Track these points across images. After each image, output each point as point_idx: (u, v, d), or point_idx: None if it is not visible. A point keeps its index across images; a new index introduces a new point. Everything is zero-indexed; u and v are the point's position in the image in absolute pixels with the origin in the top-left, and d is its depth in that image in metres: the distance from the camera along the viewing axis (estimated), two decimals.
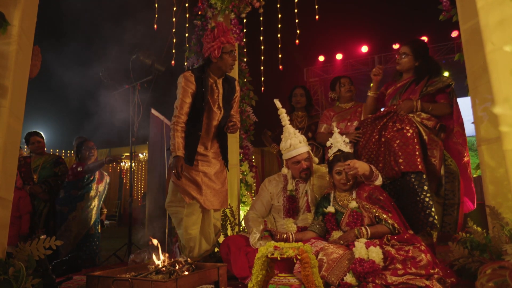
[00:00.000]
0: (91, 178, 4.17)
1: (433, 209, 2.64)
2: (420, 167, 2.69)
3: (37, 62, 3.17)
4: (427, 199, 2.65)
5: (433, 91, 2.97)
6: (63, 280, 2.25)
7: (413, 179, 2.71)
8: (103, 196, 4.33)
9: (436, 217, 2.63)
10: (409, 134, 2.79)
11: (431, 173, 2.82)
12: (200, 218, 2.99)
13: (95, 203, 4.17)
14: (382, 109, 3.17)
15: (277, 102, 2.96)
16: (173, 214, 3.00)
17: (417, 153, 2.73)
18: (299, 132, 2.94)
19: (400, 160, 2.74)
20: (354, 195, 2.56)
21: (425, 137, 2.84)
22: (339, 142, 2.67)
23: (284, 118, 2.93)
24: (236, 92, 3.13)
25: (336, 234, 2.52)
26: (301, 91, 4.03)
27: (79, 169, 4.04)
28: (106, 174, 4.45)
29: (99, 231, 4.27)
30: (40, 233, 2.11)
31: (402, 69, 3.11)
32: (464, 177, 2.88)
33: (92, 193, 4.13)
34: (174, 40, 4.27)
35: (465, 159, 2.90)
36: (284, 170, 2.96)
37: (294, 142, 2.83)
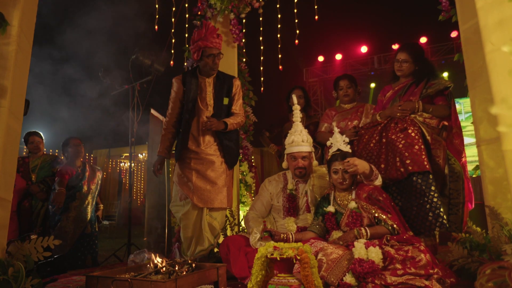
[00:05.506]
0: (80, 177, 4.09)
1: (441, 209, 2.59)
2: (427, 167, 2.66)
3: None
4: (435, 200, 2.61)
5: (433, 93, 2.97)
6: (47, 282, 2.22)
7: (419, 180, 2.67)
8: (96, 193, 4.26)
9: (445, 217, 2.60)
10: (413, 134, 2.77)
11: (435, 173, 2.79)
12: (198, 217, 2.99)
13: (88, 200, 4.10)
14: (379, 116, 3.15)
15: (294, 98, 3.09)
16: (176, 214, 3.11)
17: (423, 153, 2.70)
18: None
19: (408, 161, 2.70)
20: (353, 195, 2.55)
21: (428, 137, 2.83)
22: (338, 142, 2.67)
23: (297, 114, 2.99)
24: (233, 88, 3.15)
25: (336, 234, 2.52)
26: (300, 92, 4.00)
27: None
28: (98, 169, 4.37)
29: (96, 229, 4.22)
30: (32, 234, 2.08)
31: (404, 75, 3.12)
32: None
33: (83, 191, 4.05)
34: (174, 40, 4.27)
35: (463, 159, 2.90)
36: (285, 163, 2.96)
37: (296, 139, 2.87)
